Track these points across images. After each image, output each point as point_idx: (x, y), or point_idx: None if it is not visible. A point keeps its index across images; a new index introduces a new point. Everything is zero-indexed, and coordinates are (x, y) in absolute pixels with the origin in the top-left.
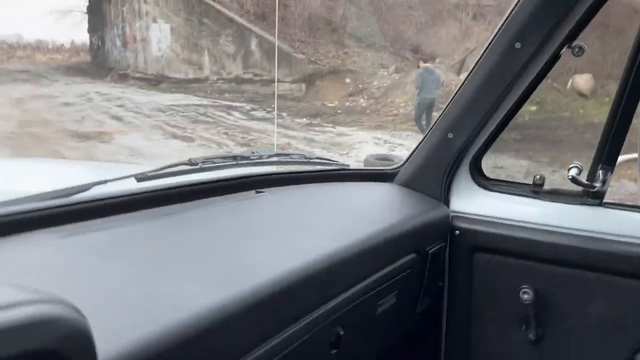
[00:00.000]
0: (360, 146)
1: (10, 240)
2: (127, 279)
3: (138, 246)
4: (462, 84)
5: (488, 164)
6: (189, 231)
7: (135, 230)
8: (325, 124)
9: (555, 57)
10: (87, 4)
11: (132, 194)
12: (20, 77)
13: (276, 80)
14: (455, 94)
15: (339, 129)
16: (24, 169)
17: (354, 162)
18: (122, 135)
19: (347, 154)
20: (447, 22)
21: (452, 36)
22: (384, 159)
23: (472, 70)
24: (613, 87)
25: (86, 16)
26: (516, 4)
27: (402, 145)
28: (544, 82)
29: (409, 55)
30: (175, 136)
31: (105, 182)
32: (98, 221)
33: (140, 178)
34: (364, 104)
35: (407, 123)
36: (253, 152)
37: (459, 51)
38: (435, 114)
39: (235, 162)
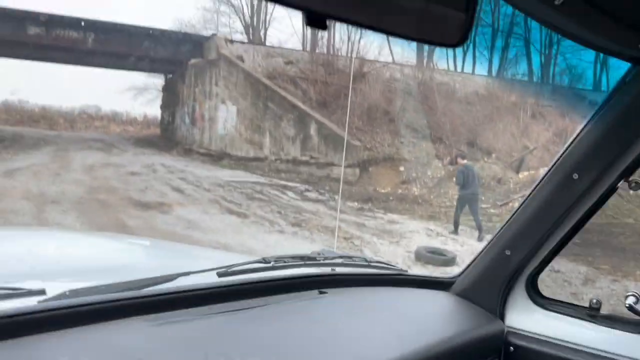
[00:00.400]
0: (411, 235)
1: (109, 325)
2: None
3: (218, 338)
4: (521, 204)
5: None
6: (261, 329)
7: (215, 323)
8: (377, 210)
9: (612, 189)
10: (164, 83)
11: (214, 288)
12: (94, 145)
13: (342, 174)
14: (514, 213)
15: (390, 216)
16: (114, 247)
17: (404, 251)
18: (181, 208)
19: (397, 242)
20: (505, 119)
21: (510, 133)
22: (436, 252)
23: (530, 193)
24: None
25: (161, 94)
26: (576, 137)
27: (454, 240)
28: None
29: (464, 148)
30: (231, 212)
31: (188, 273)
32: (183, 311)
33: (221, 273)
34: (416, 193)
35: (461, 217)
36: (319, 254)
37: (516, 149)
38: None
39: (302, 262)
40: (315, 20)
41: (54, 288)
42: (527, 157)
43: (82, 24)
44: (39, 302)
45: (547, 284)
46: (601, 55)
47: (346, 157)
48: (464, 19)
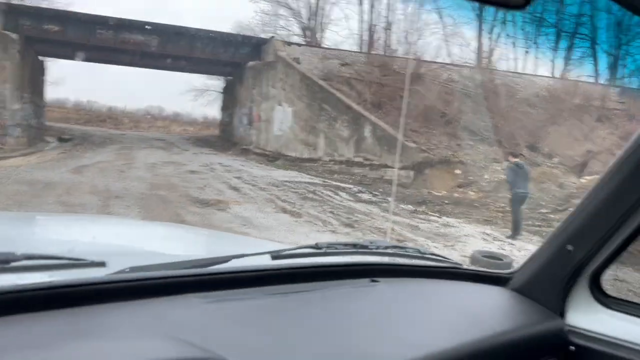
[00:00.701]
0: (466, 240)
1: (165, 301)
2: (262, 347)
3: (269, 319)
4: (585, 197)
5: (608, 275)
6: (313, 312)
7: (267, 304)
8: (431, 213)
9: None
10: (223, 85)
11: (268, 270)
12: (156, 144)
13: (396, 174)
14: (578, 206)
15: (445, 219)
16: (171, 234)
17: (459, 255)
18: (237, 205)
19: (452, 246)
20: (568, 123)
21: (573, 137)
22: (492, 257)
23: (597, 183)
24: None
25: (220, 95)
26: None
27: (512, 245)
28: None
29: (525, 152)
30: (285, 210)
31: (242, 256)
32: (236, 291)
33: (275, 256)
34: (473, 197)
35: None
36: (371, 242)
37: (579, 153)
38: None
39: (355, 250)
40: None
41: (115, 263)
42: (590, 161)
43: (147, 27)
44: (100, 274)
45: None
46: None
47: (401, 159)
48: None
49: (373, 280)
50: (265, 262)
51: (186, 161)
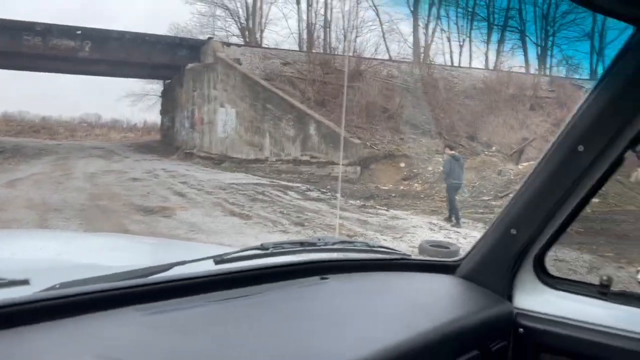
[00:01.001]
0: (414, 230)
1: (99, 317)
2: (207, 357)
3: (215, 326)
4: (525, 181)
5: (549, 257)
6: (261, 315)
7: (212, 311)
8: (379, 207)
9: (619, 160)
10: (162, 88)
11: (211, 275)
12: (95, 153)
13: (341, 165)
14: (518, 191)
15: (393, 212)
16: (106, 245)
17: (408, 246)
18: (184, 211)
19: (400, 237)
20: (504, 112)
21: (509, 126)
22: (439, 245)
23: (535, 169)
24: None
25: (160, 99)
26: (580, 107)
27: (457, 233)
28: None
29: (464, 142)
30: (233, 213)
31: (184, 262)
32: (178, 300)
33: (218, 261)
34: (418, 189)
35: (464, 210)
36: (319, 239)
37: (516, 141)
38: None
39: (302, 248)
40: None
41: (41, 280)
42: (526, 148)
43: (79, 32)
44: (24, 293)
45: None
46: (596, 45)
47: (346, 155)
48: None
49: (323, 278)
50: (209, 267)
51: (128, 169)
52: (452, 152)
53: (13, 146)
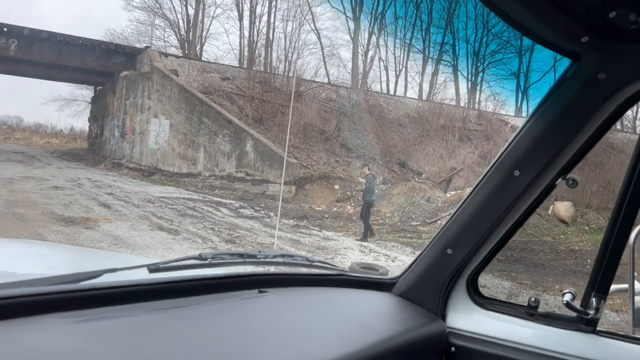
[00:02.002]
0: (345, 252)
1: (21, 323)
2: None
3: (145, 337)
4: (462, 202)
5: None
6: (195, 327)
7: (143, 321)
8: (312, 227)
9: (551, 187)
10: (93, 94)
11: (143, 284)
12: (14, 157)
13: (282, 189)
14: (456, 211)
15: (325, 233)
16: (22, 251)
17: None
18: (108, 223)
19: (332, 258)
20: (434, 142)
21: (439, 155)
22: (369, 267)
23: (472, 191)
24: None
25: (89, 106)
26: (517, 134)
27: (386, 256)
28: None
29: (396, 168)
30: (161, 228)
31: (115, 270)
32: (108, 308)
33: (153, 269)
34: (350, 211)
35: (393, 233)
36: (259, 252)
37: (444, 170)
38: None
39: (242, 260)
40: None
41: None
42: (454, 177)
43: (5, 29)
44: None
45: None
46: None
47: (281, 174)
48: None
49: (261, 291)
50: (143, 276)
51: (49, 176)
52: (369, 172)
53: None
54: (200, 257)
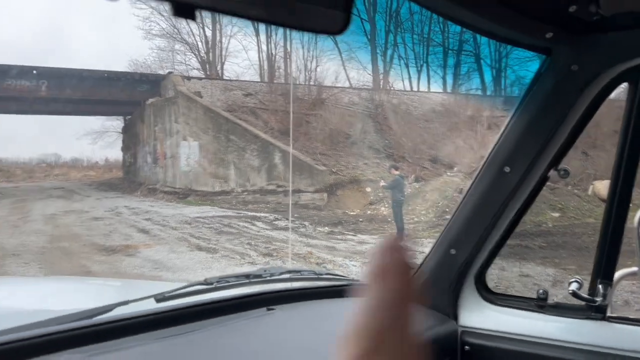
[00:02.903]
0: None
1: None
2: None
3: None
4: (460, 203)
5: (514, 272)
6: (203, 351)
7: (153, 350)
8: (347, 232)
9: (544, 179)
10: (123, 124)
11: (152, 314)
12: (55, 193)
13: (290, 185)
14: (454, 212)
15: (361, 236)
16: (50, 289)
17: None
18: (148, 248)
19: (369, 262)
20: (463, 133)
21: (469, 146)
22: None
23: (467, 191)
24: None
25: (121, 136)
26: (503, 131)
27: (424, 253)
28: (565, 188)
29: (427, 165)
30: (200, 248)
31: (127, 302)
32: (120, 340)
33: (159, 299)
34: (385, 212)
35: (429, 230)
36: (265, 270)
37: (476, 159)
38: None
39: (248, 280)
40: (183, 10)
41: None
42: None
43: (35, 72)
44: None
45: (517, 289)
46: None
47: (312, 182)
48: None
49: (269, 309)
50: (151, 306)
51: (88, 208)
52: (397, 172)
53: None
54: (205, 282)
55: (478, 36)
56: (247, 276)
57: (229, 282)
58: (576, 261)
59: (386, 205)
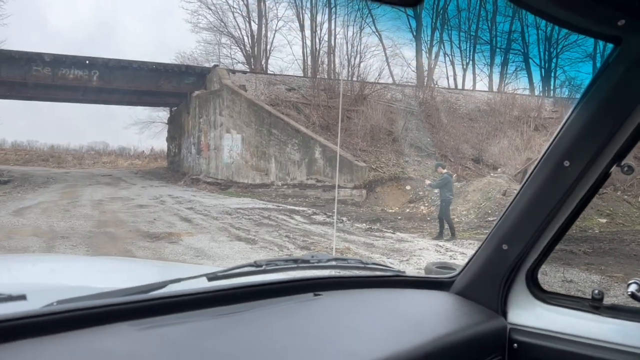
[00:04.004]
0: (420, 253)
1: (94, 331)
2: None
3: (206, 341)
4: (514, 197)
5: (557, 277)
6: (253, 330)
7: (204, 327)
8: (385, 230)
9: (605, 175)
10: (169, 115)
11: (203, 292)
12: (102, 180)
13: (337, 181)
14: (508, 207)
15: (399, 234)
16: (103, 267)
17: (414, 269)
18: (190, 237)
19: (407, 260)
20: (509, 134)
21: (514, 147)
22: (445, 267)
23: (523, 185)
24: None
25: (166, 126)
26: (564, 124)
27: (463, 254)
28: (613, 194)
29: (470, 164)
30: (239, 238)
31: (179, 280)
32: (171, 316)
33: (211, 278)
34: (424, 211)
35: (469, 231)
36: (312, 256)
37: (520, 161)
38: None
39: (296, 265)
40: None
41: (38, 297)
42: (530, 167)
43: (87, 62)
44: (22, 309)
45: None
46: (598, 64)
47: (352, 178)
48: None
49: (316, 294)
50: (202, 284)
51: (134, 195)
52: (445, 170)
53: (22, 175)
54: (255, 265)
55: (527, 34)
56: (295, 261)
57: (277, 265)
58: (623, 269)
59: (426, 204)
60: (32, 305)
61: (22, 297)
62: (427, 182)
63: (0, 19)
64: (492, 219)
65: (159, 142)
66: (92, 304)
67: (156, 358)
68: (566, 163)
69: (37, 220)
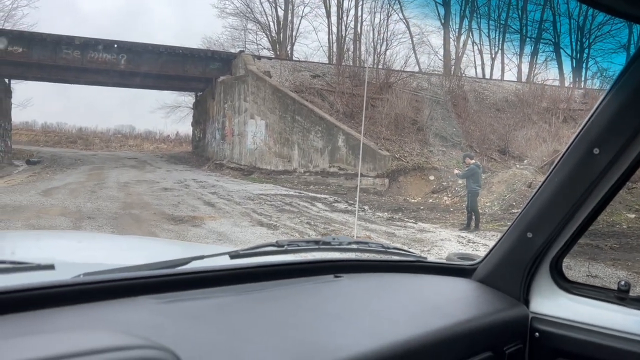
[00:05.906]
0: (442, 244)
1: (119, 303)
2: (216, 343)
3: (226, 316)
4: (541, 185)
5: (582, 272)
6: (273, 307)
7: (225, 303)
8: (407, 219)
9: (635, 165)
10: (194, 100)
11: (226, 269)
12: (128, 163)
13: (360, 167)
14: (534, 194)
15: (421, 225)
16: (128, 244)
17: (436, 259)
18: (213, 221)
19: (428, 250)
20: (537, 125)
21: (542, 139)
22: (466, 258)
23: (550, 172)
24: None
25: (192, 111)
26: (595, 110)
27: (486, 246)
28: None
29: (496, 156)
30: (261, 224)
31: (202, 257)
32: (194, 291)
33: (234, 256)
34: (447, 202)
35: (493, 223)
36: (334, 238)
37: (547, 153)
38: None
39: (317, 247)
40: None
41: (65, 267)
42: (556, 160)
43: (115, 46)
44: (49, 278)
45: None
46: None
47: (375, 167)
48: None
49: (336, 276)
50: (225, 262)
51: (159, 179)
52: (473, 160)
53: (51, 156)
54: (277, 244)
55: (558, 24)
56: (317, 242)
57: (299, 246)
58: None
59: (449, 195)
60: (60, 275)
61: (51, 267)
62: (456, 171)
63: (31, 3)
64: (515, 211)
65: (184, 127)
66: (119, 276)
67: (179, 330)
68: (596, 150)
69: (65, 201)
